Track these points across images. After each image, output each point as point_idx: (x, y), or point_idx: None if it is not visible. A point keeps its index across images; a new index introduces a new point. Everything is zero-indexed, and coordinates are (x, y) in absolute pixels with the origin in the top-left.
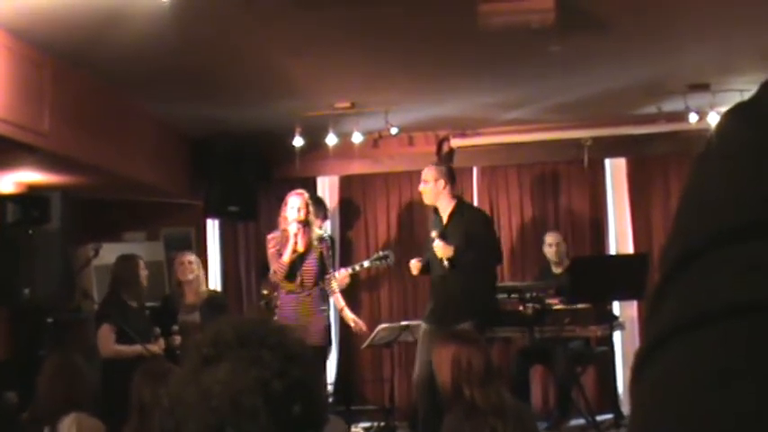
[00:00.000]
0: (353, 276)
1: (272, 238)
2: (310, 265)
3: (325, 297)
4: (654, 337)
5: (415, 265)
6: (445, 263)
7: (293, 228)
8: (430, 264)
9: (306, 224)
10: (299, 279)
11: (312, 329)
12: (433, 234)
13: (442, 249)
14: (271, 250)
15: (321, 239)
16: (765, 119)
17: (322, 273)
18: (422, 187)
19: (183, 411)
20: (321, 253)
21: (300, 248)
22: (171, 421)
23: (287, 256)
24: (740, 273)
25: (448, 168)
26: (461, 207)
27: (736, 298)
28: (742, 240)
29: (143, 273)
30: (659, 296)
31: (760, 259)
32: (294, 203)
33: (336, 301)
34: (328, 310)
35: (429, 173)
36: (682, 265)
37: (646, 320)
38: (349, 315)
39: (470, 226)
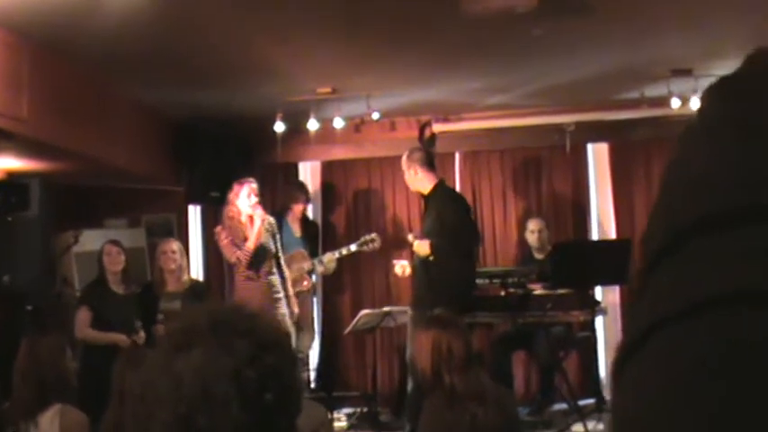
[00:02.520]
0: (339, 261)
1: (221, 230)
2: (264, 250)
3: (283, 282)
4: (636, 330)
5: (401, 266)
6: (430, 258)
7: (259, 213)
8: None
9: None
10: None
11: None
12: (410, 237)
13: (420, 248)
14: (224, 242)
15: (270, 224)
16: (748, 93)
17: (276, 258)
18: (405, 176)
19: (154, 399)
20: (273, 237)
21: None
22: (142, 408)
23: (252, 243)
24: (725, 262)
25: (423, 154)
26: (436, 191)
27: (722, 288)
28: (726, 227)
29: (106, 258)
30: (641, 286)
31: (745, 247)
32: (245, 192)
33: (287, 287)
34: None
35: (402, 163)
36: (663, 254)
37: (627, 311)
38: (295, 307)
39: (441, 210)
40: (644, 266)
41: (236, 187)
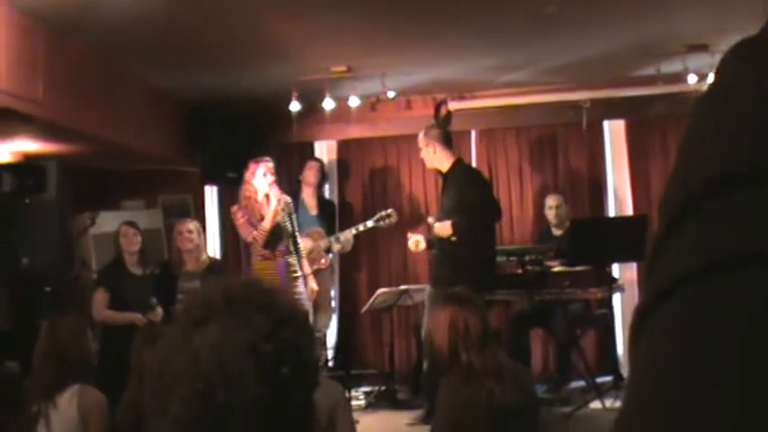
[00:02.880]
0: (356, 237)
1: (238, 209)
2: (280, 229)
3: (299, 260)
4: (653, 292)
5: (415, 242)
6: (452, 239)
7: (275, 193)
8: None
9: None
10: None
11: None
12: (430, 220)
13: (441, 230)
14: (240, 221)
15: (287, 203)
16: (765, 56)
17: (293, 237)
18: (421, 154)
19: (171, 375)
20: (290, 216)
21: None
22: (160, 384)
23: (268, 222)
24: (739, 223)
25: (440, 132)
26: (455, 169)
27: (737, 249)
28: (744, 188)
29: (123, 239)
30: (659, 249)
31: (760, 208)
32: (261, 171)
33: (303, 266)
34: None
35: (420, 140)
36: (679, 217)
37: (644, 275)
38: (312, 284)
39: (461, 187)
40: (660, 230)
41: (251, 166)
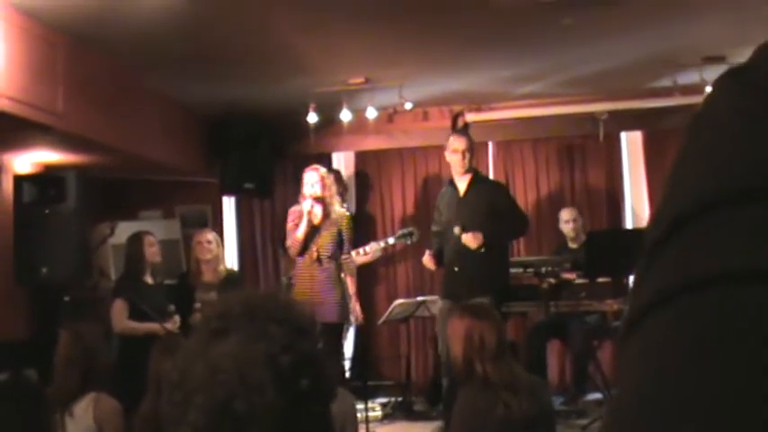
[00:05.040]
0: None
1: (292, 212)
2: (326, 240)
3: (340, 274)
4: (638, 307)
5: (429, 261)
6: (482, 250)
7: (307, 204)
8: (443, 245)
9: (321, 199)
10: (314, 254)
11: (326, 305)
12: (456, 230)
13: (472, 240)
14: (289, 224)
15: (341, 216)
16: (757, 87)
17: (339, 249)
18: (453, 157)
19: (191, 385)
20: (339, 230)
21: (316, 222)
22: (179, 395)
23: (300, 233)
24: (727, 239)
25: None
26: (479, 178)
27: (724, 265)
28: (731, 206)
29: (150, 249)
30: (645, 267)
31: (749, 226)
32: (309, 179)
33: (348, 285)
34: (343, 287)
35: (461, 142)
36: (666, 235)
37: (631, 291)
38: (356, 307)
39: (495, 196)
40: (649, 247)
41: (303, 173)
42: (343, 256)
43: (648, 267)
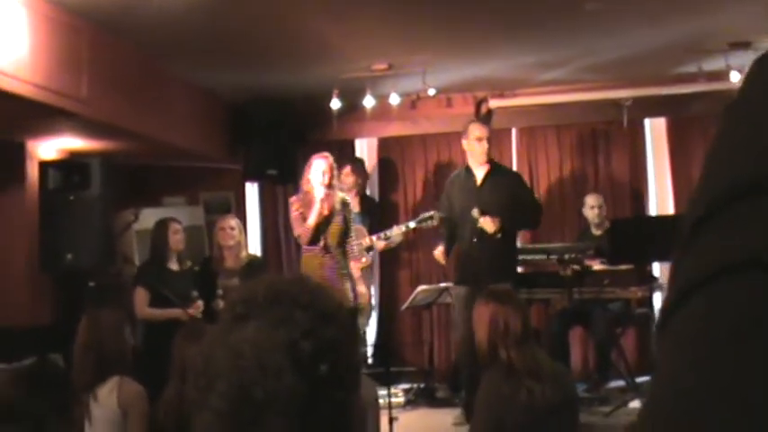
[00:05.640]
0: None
1: (295, 201)
2: (334, 228)
3: (347, 261)
4: (677, 291)
5: (441, 256)
6: (498, 235)
7: (320, 192)
8: (456, 232)
9: (330, 187)
10: (322, 242)
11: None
12: (474, 212)
13: (490, 224)
14: (294, 213)
15: (344, 203)
16: None
17: (345, 236)
18: (476, 145)
19: (214, 371)
20: (345, 216)
21: (326, 212)
22: (203, 380)
23: (312, 220)
24: (764, 224)
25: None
26: (498, 167)
27: (763, 249)
28: (765, 193)
29: (174, 236)
30: (683, 250)
31: None
32: (319, 167)
33: (353, 268)
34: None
35: (485, 130)
36: (703, 220)
37: (670, 276)
38: (361, 288)
39: (516, 186)
40: (685, 232)
41: (311, 160)
42: (348, 239)
43: (686, 250)
